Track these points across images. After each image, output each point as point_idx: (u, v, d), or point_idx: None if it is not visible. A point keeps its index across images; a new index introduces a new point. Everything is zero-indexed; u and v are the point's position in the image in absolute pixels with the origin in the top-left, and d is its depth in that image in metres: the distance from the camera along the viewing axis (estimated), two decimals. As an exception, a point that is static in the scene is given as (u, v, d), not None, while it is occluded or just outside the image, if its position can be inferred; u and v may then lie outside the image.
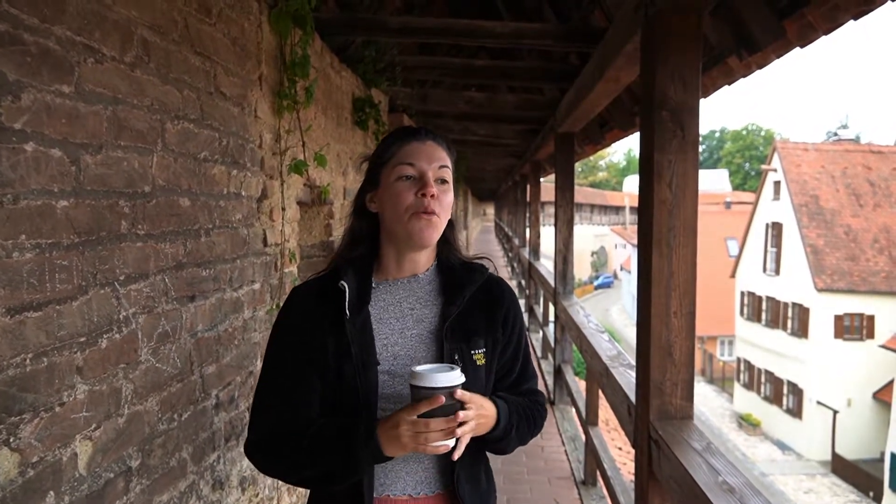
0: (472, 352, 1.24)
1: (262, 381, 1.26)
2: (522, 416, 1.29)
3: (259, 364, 2.30)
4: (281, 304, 2.47)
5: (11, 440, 1.10)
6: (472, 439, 1.17)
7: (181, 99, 1.72)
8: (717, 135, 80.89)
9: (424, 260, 1.28)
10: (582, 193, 43.97)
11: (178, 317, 1.70)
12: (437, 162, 1.22)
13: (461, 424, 1.09)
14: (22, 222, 1.13)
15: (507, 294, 1.34)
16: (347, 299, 1.19)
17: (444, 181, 1.23)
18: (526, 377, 1.37)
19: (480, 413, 1.15)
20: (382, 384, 1.19)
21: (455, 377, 1.08)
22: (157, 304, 1.60)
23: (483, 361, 1.25)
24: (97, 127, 1.35)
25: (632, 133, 4.34)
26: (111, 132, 1.40)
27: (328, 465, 1.14)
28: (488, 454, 1.34)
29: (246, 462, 2.16)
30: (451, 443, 1.09)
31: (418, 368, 1.09)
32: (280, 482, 2.47)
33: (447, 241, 1.31)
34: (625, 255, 42.99)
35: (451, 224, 1.30)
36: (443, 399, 1.04)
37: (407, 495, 1.22)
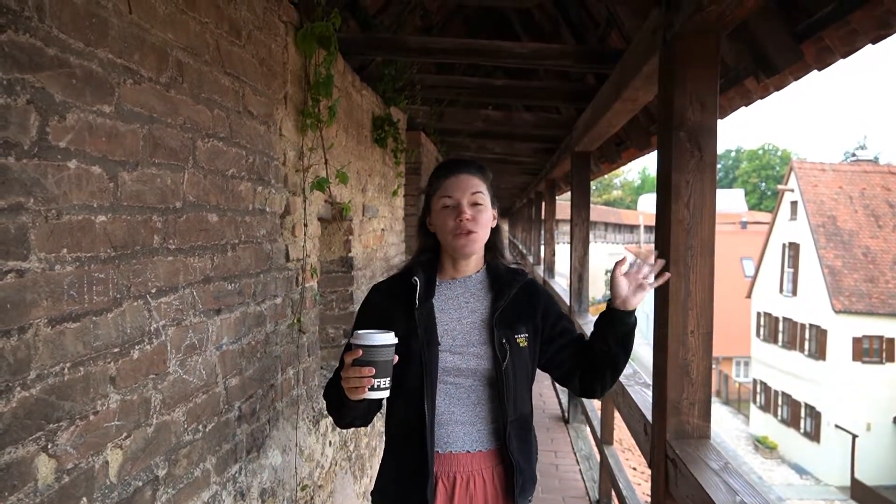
0: (516, 336, 1.59)
1: None
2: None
3: (280, 377, 2.33)
4: (301, 319, 2.53)
5: (49, 446, 1.14)
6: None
7: (212, 118, 1.77)
8: (733, 154, 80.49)
9: (473, 264, 1.67)
10: (596, 211, 43.80)
11: (204, 329, 1.74)
12: (471, 189, 1.59)
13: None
14: (64, 236, 1.18)
15: (541, 292, 1.73)
16: (418, 292, 1.56)
17: (477, 204, 1.59)
18: (575, 332, 1.73)
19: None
20: (443, 359, 1.54)
21: (383, 338, 1.34)
22: (185, 317, 1.64)
23: (525, 344, 1.60)
24: (134, 145, 1.40)
25: (648, 152, 4.37)
26: (147, 150, 1.45)
27: (333, 398, 1.53)
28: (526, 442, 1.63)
29: (266, 475, 2.18)
30: (377, 395, 1.34)
31: (360, 332, 1.36)
32: (297, 496, 2.49)
33: (494, 249, 1.69)
34: (639, 274, 42.62)
35: (497, 235, 1.69)
36: (359, 353, 1.32)
37: (465, 451, 1.55)
